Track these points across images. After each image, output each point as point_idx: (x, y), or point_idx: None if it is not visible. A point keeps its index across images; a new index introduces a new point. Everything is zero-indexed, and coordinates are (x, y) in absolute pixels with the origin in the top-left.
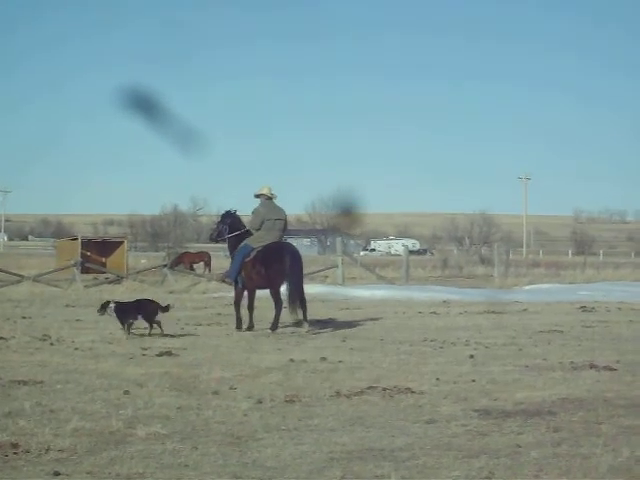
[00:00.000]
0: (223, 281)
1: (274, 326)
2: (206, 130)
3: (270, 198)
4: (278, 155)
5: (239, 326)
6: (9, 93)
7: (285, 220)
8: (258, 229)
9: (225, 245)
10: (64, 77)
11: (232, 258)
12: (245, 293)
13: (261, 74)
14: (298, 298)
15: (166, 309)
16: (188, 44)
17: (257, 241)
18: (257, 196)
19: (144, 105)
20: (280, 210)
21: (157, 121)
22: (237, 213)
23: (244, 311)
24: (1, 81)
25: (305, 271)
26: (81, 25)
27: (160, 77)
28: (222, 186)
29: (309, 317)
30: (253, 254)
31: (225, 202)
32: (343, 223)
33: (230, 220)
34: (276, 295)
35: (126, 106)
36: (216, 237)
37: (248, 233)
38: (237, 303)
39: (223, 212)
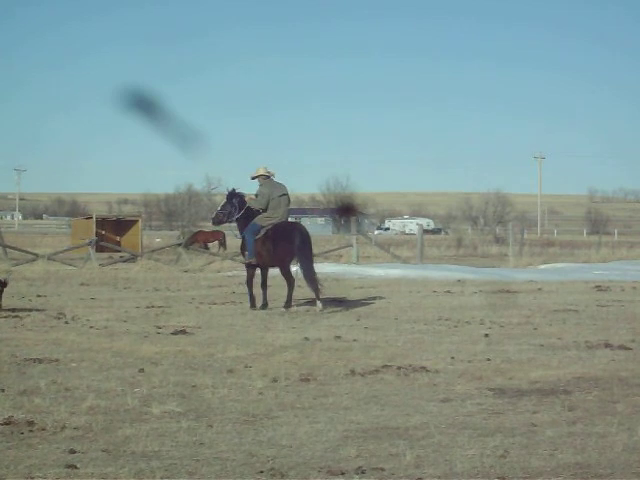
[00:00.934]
0: (248, 264)
1: (288, 304)
2: (221, 110)
3: (268, 177)
4: (293, 135)
5: (253, 305)
6: (19, 73)
7: (288, 195)
8: (265, 209)
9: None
10: (76, 56)
11: (242, 238)
12: (258, 271)
13: (275, 54)
14: (309, 277)
15: (4, 284)
16: (197, 27)
17: (265, 220)
18: (254, 178)
19: (150, 96)
20: (282, 186)
21: (162, 112)
22: (240, 192)
23: (257, 289)
24: (10, 61)
25: (320, 250)
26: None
27: (173, 62)
28: (236, 165)
29: (323, 296)
30: (262, 232)
31: (239, 181)
32: (345, 211)
33: (238, 200)
34: (287, 274)
35: (135, 95)
36: (226, 219)
37: (252, 210)
38: (249, 282)
39: (227, 192)
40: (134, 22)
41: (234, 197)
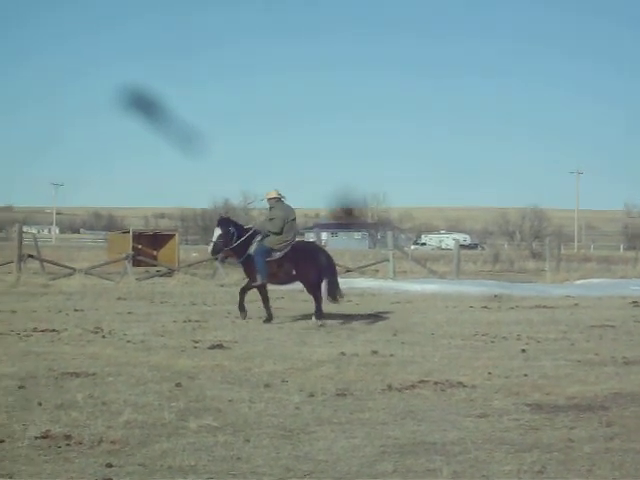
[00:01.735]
0: (260, 286)
1: (319, 316)
2: (247, 125)
3: (280, 199)
4: (334, 149)
5: (270, 318)
6: (55, 86)
7: (295, 219)
8: (280, 233)
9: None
10: (108, 67)
11: (246, 262)
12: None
13: (292, 69)
14: (333, 294)
15: None
16: (219, 39)
17: (276, 243)
18: (263, 199)
19: (150, 96)
20: (292, 210)
21: (163, 111)
22: (232, 218)
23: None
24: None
25: (356, 265)
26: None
27: (188, 73)
28: (265, 179)
29: (358, 312)
30: (278, 255)
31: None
32: (346, 217)
33: (232, 225)
34: (311, 289)
35: (134, 94)
36: (226, 246)
37: (255, 234)
38: (266, 301)
39: (220, 219)
40: (149, 33)
41: (229, 224)
